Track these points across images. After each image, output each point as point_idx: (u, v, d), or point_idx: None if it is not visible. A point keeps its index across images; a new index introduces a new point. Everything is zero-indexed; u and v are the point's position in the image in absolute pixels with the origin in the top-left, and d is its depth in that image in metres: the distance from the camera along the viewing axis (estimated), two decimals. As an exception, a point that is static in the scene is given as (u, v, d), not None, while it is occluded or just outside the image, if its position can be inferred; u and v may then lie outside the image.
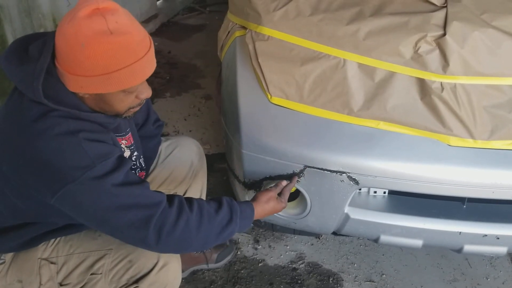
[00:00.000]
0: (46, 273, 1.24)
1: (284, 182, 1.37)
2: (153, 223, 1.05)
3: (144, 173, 1.43)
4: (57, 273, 1.24)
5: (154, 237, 1.06)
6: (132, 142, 1.35)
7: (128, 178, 1.08)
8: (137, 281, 1.21)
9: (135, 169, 1.36)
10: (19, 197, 1.12)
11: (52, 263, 1.24)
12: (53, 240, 1.26)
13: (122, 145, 1.30)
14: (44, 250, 1.25)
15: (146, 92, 1.13)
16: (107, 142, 1.11)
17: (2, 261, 1.25)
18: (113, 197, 1.04)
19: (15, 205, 1.15)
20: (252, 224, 1.41)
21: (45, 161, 1.02)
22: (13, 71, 1.06)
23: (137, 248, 1.19)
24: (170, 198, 1.12)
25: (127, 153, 1.32)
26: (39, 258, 1.24)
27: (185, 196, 1.41)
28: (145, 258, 1.21)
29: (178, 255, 1.28)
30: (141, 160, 1.40)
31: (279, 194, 1.33)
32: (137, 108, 1.17)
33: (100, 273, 1.22)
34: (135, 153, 1.36)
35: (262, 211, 1.26)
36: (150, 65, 1.07)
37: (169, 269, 1.23)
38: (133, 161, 1.35)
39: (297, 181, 1.41)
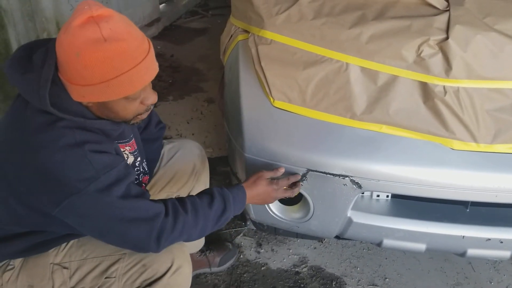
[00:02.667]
0: (59, 278, 1.24)
1: (283, 170, 1.34)
2: (153, 235, 1.09)
3: (148, 177, 1.43)
4: (70, 278, 1.24)
5: (154, 245, 1.10)
6: (136, 148, 1.35)
7: (130, 190, 1.09)
8: (150, 284, 1.22)
9: (138, 174, 1.36)
10: (22, 206, 1.12)
11: (64, 268, 1.24)
12: (64, 244, 1.26)
13: (126, 152, 1.30)
14: (56, 255, 1.25)
15: (152, 98, 1.13)
16: (111, 152, 1.11)
17: (11, 266, 1.24)
18: (116, 209, 1.05)
19: (18, 214, 1.14)
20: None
21: (49, 173, 1.02)
22: (17, 79, 1.06)
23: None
24: (164, 204, 1.13)
25: (130, 159, 1.32)
26: (51, 263, 1.24)
27: None
28: (159, 262, 1.21)
29: (189, 259, 1.28)
30: (144, 165, 1.40)
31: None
32: (145, 115, 1.17)
33: (114, 277, 1.22)
34: (139, 159, 1.36)
35: (251, 192, 1.28)
36: (149, 70, 1.05)
37: (181, 272, 1.23)
38: (137, 166, 1.35)
39: (301, 184, 1.41)
